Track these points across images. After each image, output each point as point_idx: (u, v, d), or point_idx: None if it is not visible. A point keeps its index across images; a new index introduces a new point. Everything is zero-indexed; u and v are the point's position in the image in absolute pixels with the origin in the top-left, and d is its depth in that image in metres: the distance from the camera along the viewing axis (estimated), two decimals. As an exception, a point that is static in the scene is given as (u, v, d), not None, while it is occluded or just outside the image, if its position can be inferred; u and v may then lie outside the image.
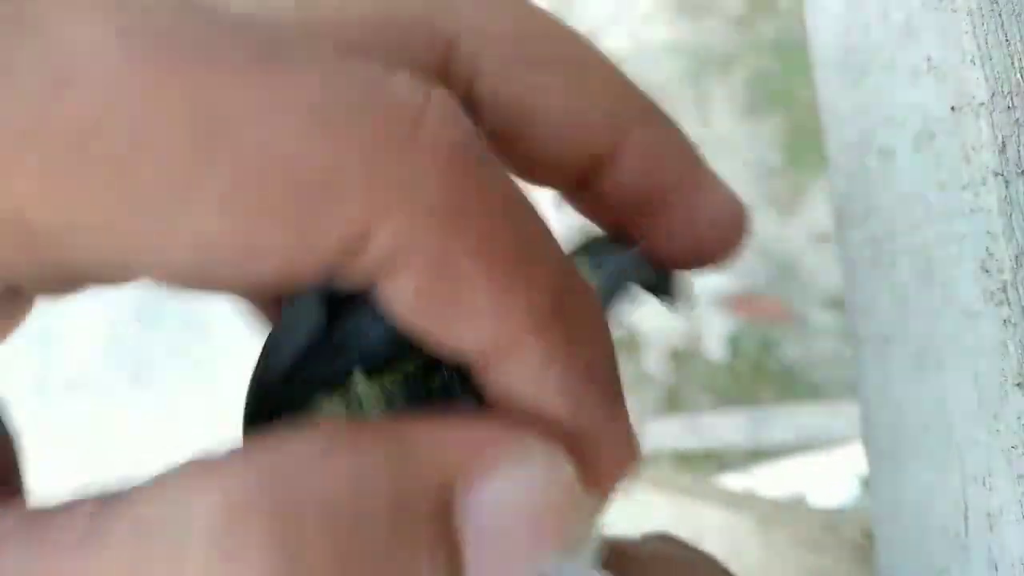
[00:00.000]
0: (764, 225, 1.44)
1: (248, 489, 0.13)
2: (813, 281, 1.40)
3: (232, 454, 0.14)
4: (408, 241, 0.16)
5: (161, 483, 0.14)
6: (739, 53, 1.51)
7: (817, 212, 1.41)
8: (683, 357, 1.41)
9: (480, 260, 0.17)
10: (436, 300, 0.17)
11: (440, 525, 0.14)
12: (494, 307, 0.17)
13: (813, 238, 1.42)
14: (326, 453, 0.14)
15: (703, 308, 1.43)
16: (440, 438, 0.15)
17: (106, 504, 0.14)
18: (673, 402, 1.41)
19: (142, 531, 0.13)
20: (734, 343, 1.41)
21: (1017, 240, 0.21)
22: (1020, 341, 0.21)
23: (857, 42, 0.27)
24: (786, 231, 1.43)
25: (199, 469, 0.14)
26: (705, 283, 1.43)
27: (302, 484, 0.14)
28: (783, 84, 1.47)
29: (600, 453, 0.18)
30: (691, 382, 1.40)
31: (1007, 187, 0.21)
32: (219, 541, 0.13)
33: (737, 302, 1.43)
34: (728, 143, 1.46)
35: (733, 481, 1.21)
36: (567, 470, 0.16)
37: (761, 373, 1.39)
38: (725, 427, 1.30)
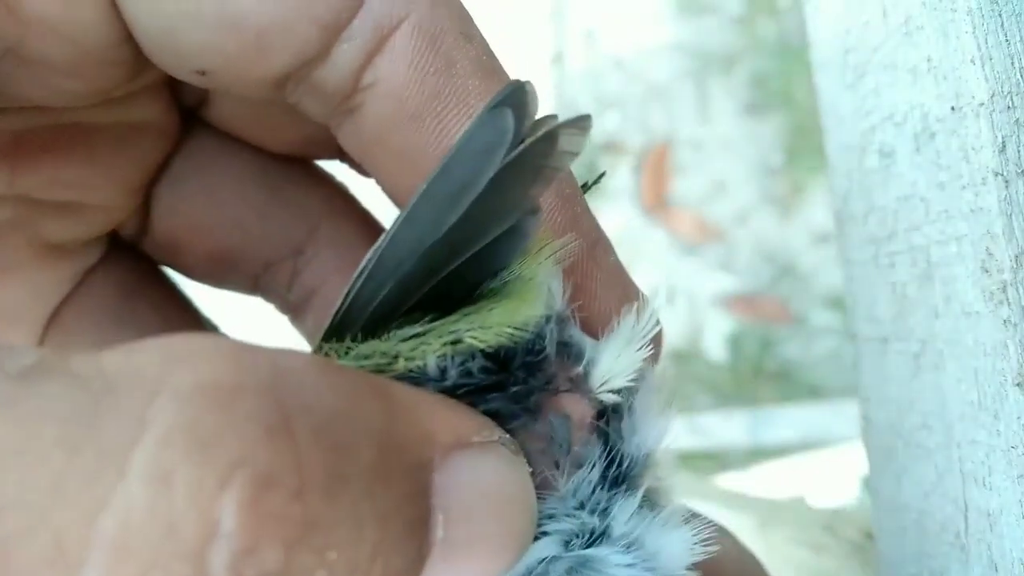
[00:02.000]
0: (764, 225, 1.44)
1: (241, 372, 0.12)
2: (813, 281, 1.40)
3: (224, 340, 0.13)
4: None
5: (127, 350, 0.12)
6: (739, 53, 1.50)
7: (817, 212, 1.41)
8: (683, 357, 1.41)
9: (464, 38, 0.18)
10: (430, 75, 0.18)
11: (418, 484, 0.14)
12: (484, 88, 0.18)
13: (813, 238, 1.42)
14: (323, 370, 0.13)
15: (703, 308, 1.43)
16: (427, 413, 0.15)
17: (47, 357, 0.12)
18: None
19: (91, 386, 0.11)
20: (734, 343, 1.41)
21: (1017, 240, 0.21)
22: (1020, 341, 0.21)
23: (857, 42, 0.27)
24: (786, 231, 1.43)
25: (182, 344, 0.12)
26: (705, 283, 1.43)
27: (298, 387, 0.12)
28: (783, 84, 1.47)
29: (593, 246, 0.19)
30: (691, 382, 1.40)
31: (1007, 187, 0.21)
32: (193, 416, 0.11)
33: (737, 302, 1.43)
34: (728, 143, 1.46)
35: (733, 481, 1.21)
36: (525, 465, 0.16)
37: (761, 373, 1.39)
38: (725, 427, 1.30)
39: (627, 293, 0.20)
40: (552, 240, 0.18)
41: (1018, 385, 0.21)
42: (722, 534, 0.25)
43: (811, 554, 0.41)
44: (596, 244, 0.20)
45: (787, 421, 1.27)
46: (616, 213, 1.48)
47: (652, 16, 1.55)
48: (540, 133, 0.16)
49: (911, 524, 0.27)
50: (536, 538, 0.17)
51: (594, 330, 0.19)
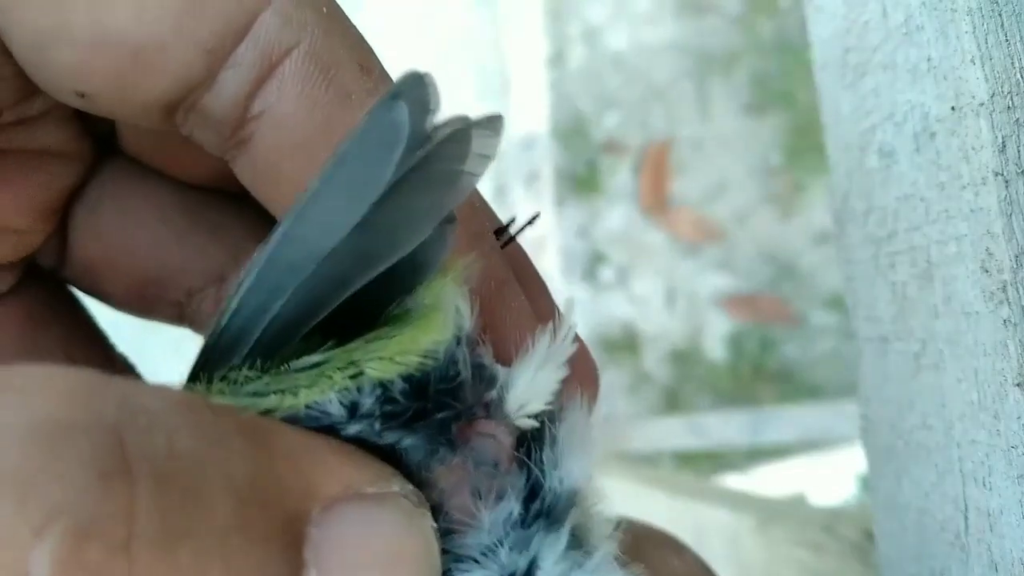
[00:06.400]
0: (764, 225, 1.44)
1: (80, 409, 0.11)
2: (813, 281, 1.40)
3: (72, 372, 0.12)
4: (293, 22, 0.17)
5: None
6: (739, 53, 1.50)
7: (817, 212, 1.41)
8: (683, 357, 1.41)
9: (361, 68, 0.17)
10: (321, 105, 0.17)
11: (288, 539, 0.12)
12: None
13: (813, 238, 1.42)
14: (189, 409, 0.12)
15: (703, 308, 1.43)
16: (312, 461, 0.14)
17: None
18: (673, 402, 1.41)
19: None
20: (734, 343, 1.41)
21: (1017, 240, 0.21)
22: (1020, 341, 0.21)
23: (857, 42, 0.27)
24: (786, 231, 1.43)
25: (20, 376, 0.11)
26: (705, 283, 1.43)
27: (150, 427, 0.11)
28: (783, 84, 1.47)
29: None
30: (691, 382, 1.40)
31: (1007, 187, 0.21)
32: (17, 457, 0.10)
33: (737, 302, 1.43)
34: (728, 143, 1.46)
35: (733, 481, 1.21)
36: (428, 520, 0.15)
37: (761, 373, 1.39)
38: (725, 427, 1.30)
39: (537, 326, 0.19)
40: (456, 260, 0.17)
41: (1018, 385, 0.21)
42: (678, 551, 0.23)
43: (811, 553, 0.41)
44: (504, 284, 0.19)
45: (787, 421, 1.27)
46: (616, 213, 1.48)
47: (652, 16, 1.55)
48: (449, 132, 0.15)
49: (911, 524, 0.27)
50: None
51: (504, 361, 0.18)
